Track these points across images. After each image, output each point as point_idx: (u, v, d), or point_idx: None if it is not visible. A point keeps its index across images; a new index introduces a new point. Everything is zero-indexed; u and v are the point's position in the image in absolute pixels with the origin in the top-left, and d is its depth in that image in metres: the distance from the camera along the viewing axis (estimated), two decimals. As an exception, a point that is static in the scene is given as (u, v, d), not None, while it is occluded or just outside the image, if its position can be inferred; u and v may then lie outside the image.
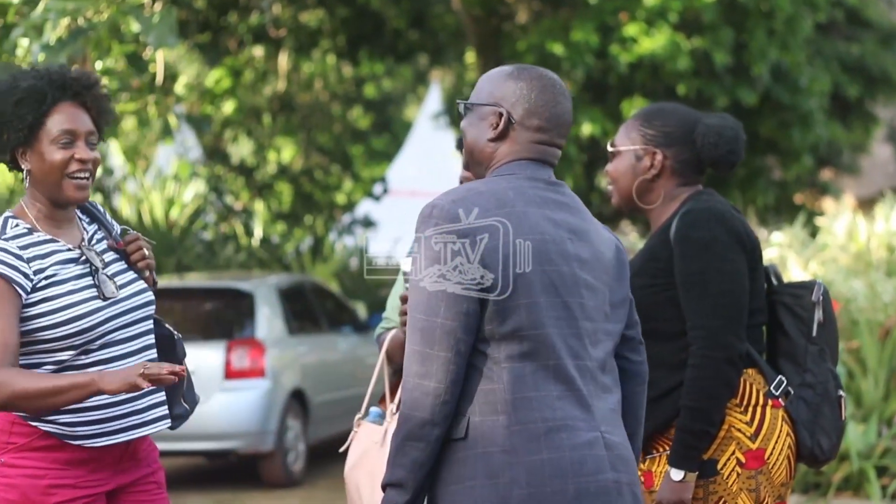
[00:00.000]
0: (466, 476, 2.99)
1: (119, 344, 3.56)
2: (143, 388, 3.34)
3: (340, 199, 20.63)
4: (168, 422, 3.68)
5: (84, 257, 3.58)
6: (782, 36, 13.55)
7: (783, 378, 3.96)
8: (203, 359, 10.61)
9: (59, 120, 3.55)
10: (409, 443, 2.99)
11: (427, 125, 22.29)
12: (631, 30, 12.93)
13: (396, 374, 4.32)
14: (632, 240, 12.03)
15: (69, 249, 3.58)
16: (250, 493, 10.92)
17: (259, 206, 19.40)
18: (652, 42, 12.80)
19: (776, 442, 3.91)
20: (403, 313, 4.17)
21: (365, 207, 20.22)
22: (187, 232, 17.00)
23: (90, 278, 3.56)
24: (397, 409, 4.08)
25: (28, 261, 3.49)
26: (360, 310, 15.21)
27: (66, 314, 3.49)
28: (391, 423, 4.03)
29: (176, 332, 3.78)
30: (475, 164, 3.26)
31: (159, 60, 10.16)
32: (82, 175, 3.56)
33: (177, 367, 3.35)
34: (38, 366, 3.51)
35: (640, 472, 3.93)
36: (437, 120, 20.71)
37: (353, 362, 12.78)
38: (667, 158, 4.04)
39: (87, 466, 3.55)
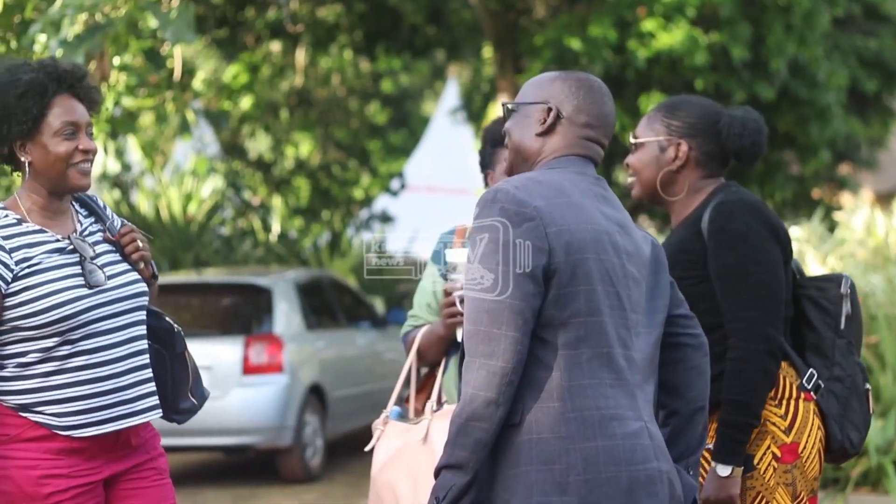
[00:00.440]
0: (521, 461, 3.02)
1: (105, 334, 3.59)
2: None
3: (358, 194, 20.61)
4: (159, 411, 3.70)
5: (72, 247, 3.61)
6: (800, 31, 13.50)
7: (814, 371, 3.94)
8: (221, 354, 10.63)
9: (61, 112, 3.59)
10: (472, 423, 2.99)
11: (444, 120, 22.28)
12: (648, 25, 12.90)
13: (431, 369, 4.27)
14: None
15: (57, 240, 3.61)
16: (268, 488, 10.93)
17: (277, 202, 19.41)
18: (669, 37, 12.77)
19: (809, 436, 3.89)
20: (447, 305, 4.14)
21: (382, 203, 20.21)
22: (205, 227, 17.03)
23: (77, 267, 3.59)
24: (437, 404, 4.06)
25: (11, 251, 3.53)
26: (378, 305, 15.20)
27: (48, 301, 3.52)
28: (433, 420, 3.95)
29: (176, 325, 3.81)
30: (521, 163, 3.28)
31: (177, 56, 10.19)
32: (86, 164, 3.62)
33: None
34: (24, 354, 3.54)
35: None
36: (454, 115, 20.70)
37: (371, 357, 12.79)
38: (692, 149, 4.02)
39: (79, 455, 3.57)
